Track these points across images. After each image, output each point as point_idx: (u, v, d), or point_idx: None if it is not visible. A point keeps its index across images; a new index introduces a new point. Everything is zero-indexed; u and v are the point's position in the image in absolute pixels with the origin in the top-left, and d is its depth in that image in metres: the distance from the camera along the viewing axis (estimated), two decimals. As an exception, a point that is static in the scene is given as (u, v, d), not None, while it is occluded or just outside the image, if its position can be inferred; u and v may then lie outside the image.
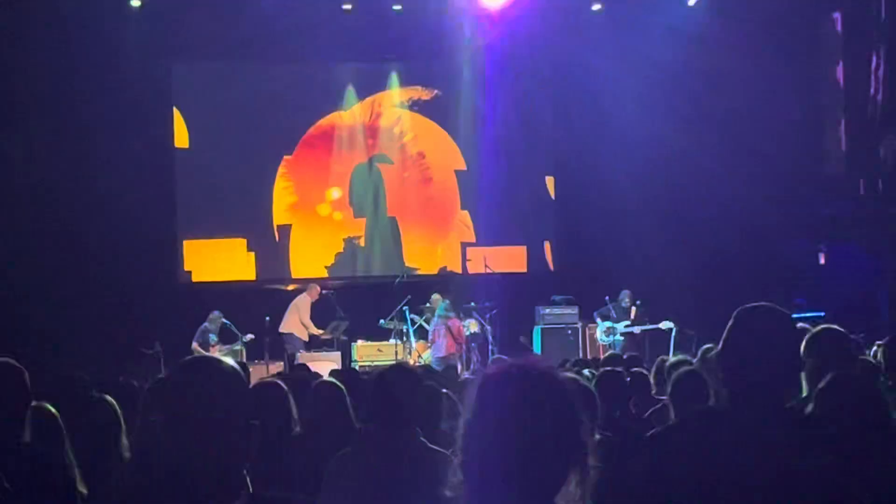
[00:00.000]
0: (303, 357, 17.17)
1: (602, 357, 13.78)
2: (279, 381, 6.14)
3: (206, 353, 16.83)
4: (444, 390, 6.17)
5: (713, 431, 3.62)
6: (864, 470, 3.83)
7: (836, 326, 5.56)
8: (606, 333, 18.16)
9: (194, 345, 17.24)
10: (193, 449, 2.87)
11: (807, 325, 5.71)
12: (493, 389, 2.55)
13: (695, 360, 8.23)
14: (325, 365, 15.37)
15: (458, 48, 19.75)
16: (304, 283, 19.02)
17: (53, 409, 4.93)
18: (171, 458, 2.90)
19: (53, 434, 4.86)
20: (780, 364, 3.64)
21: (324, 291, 18.51)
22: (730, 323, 3.76)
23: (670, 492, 3.56)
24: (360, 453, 4.34)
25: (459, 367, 16.17)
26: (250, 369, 11.96)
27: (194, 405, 2.91)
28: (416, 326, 18.33)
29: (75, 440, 5.16)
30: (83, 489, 4.46)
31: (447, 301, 17.50)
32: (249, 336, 17.63)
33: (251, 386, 6.14)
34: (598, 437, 5.04)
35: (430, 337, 17.55)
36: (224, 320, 17.55)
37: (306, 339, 18.26)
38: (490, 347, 18.15)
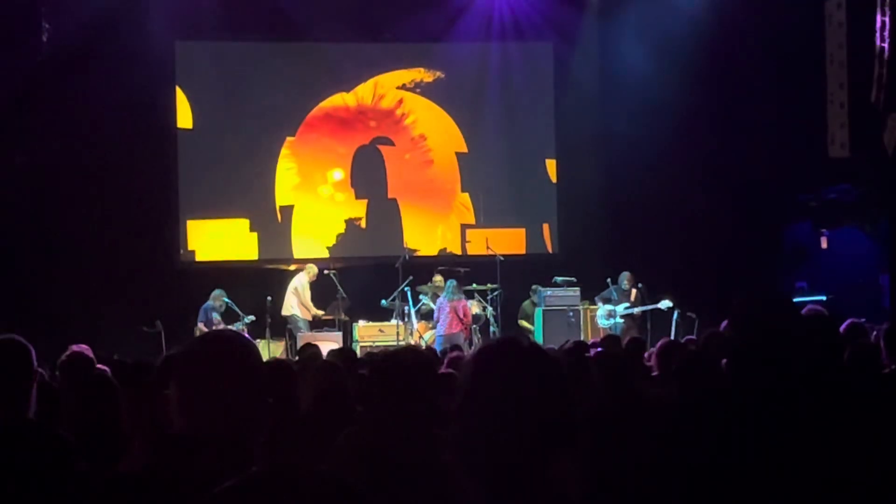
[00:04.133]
0: (304, 337, 17.19)
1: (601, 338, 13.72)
2: (287, 361, 6.18)
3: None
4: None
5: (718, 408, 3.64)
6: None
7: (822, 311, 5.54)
8: (607, 317, 18.14)
9: (199, 324, 17.26)
10: (209, 419, 2.89)
11: (820, 308, 5.67)
12: (487, 364, 2.57)
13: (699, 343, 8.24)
14: (326, 345, 15.39)
15: (462, 30, 19.75)
16: (306, 264, 19.02)
17: (52, 385, 4.95)
18: (187, 428, 2.92)
19: (52, 410, 4.89)
20: (781, 346, 3.65)
21: (325, 271, 18.49)
22: (733, 307, 3.77)
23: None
24: (368, 432, 4.36)
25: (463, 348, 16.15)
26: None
27: (212, 376, 2.94)
28: (419, 305, 18.35)
29: (77, 417, 5.19)
30: (84, 465, 4.47)
31: (454, 281, 17.48)
32: (251, 317, 17.64)
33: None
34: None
35: (434, 315, 17.54)
36: (226, 299, 17.56)
37: (309, 318, 18.27)
38: (491, 329, 18.17)
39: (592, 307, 18.53)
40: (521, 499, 2.48)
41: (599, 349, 8.80)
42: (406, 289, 18.11)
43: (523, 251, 20.72)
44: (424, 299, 18.45)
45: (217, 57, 19.86)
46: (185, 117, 19.66)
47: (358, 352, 14.62)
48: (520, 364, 2.54)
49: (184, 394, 3.03)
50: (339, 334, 17.76)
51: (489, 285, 18.48)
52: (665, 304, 17.69)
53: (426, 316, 18.29)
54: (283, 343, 17.56)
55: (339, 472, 1.88)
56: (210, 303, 17.51)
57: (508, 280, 18.57)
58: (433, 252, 20.55)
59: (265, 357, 11.21)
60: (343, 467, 4.11)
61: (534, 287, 18.70)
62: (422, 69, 20.64)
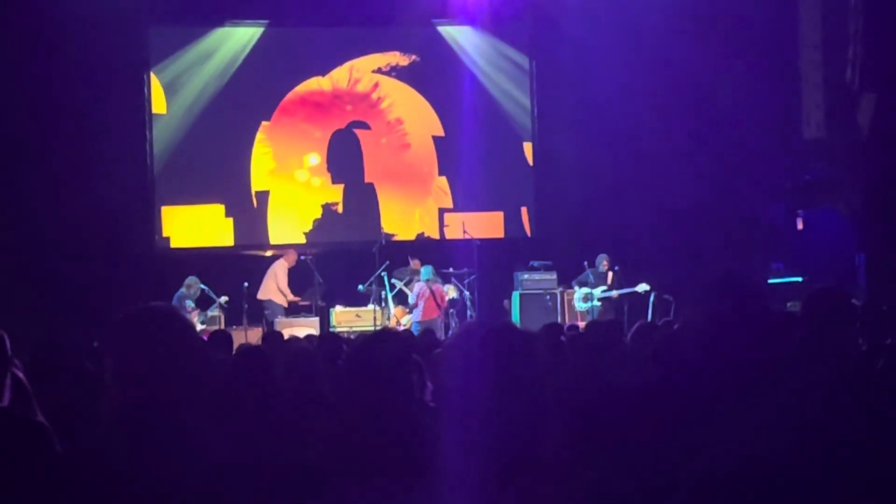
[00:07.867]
0: (281, 323, 17.16)
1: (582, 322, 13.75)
2: (260, 346, 6.15)
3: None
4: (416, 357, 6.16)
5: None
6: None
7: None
8: (584, 300, 18.17)
9: (172, 312, 17.16)
10: (142, 390, 2.94)
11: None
12: (467, 344, 2.60)
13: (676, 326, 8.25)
14: (303, 330, 15.40)
15: (437, 13, 19.69)
16: (282, 250, 18.98)
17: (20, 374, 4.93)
18: (123, 399, 2.96)
19: (24, 397, 4.87)
20: (754, 327, 3.65)
21: (301, 257, 18.46)
22: (705, 289, 3.76)
23: None
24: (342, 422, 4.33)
25: (439, 333, 16.14)
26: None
27: (141, 347, 3.00)
28: (396, 290, 18.37)
29: (53, 403, 5.16)
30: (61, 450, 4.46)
31: (431, 266, 17.50)
32: (224, 298, 17.53)
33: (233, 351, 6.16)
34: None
35: (412, 300, 17.56)
36: (201, 285, 17.44)
37: (286, 304, 18.24)
38: (468, 313, 18.18)
39: (570, 291, 18.56)
40: (516, 477, 2.53)
41: (569, 330, 8.81)
42: (383, 274, 18.11)
43: (502, 235, 20.72)
44: (400, 284, 18.46)
45: (191, 42, 19.76)
46: (159, 103, 19.56)
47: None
48: (492, 342, 2.59)
49: (116, 367, 3.08)
50: (316, 319, 17.74)
51: (466, 269, 18.48)
52: (642, 287, 17.73)
53: (403, 301, 18.30)
54: (259, 330, 17.48)
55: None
56: (182, 290, 17.35)
57: (487, 264, 18.57)
58: (411, 236, 20.52)
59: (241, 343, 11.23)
60: (319, 454, 4.10)
61: (531, 264, 18.80)
62: (397, 53, 20.58)
